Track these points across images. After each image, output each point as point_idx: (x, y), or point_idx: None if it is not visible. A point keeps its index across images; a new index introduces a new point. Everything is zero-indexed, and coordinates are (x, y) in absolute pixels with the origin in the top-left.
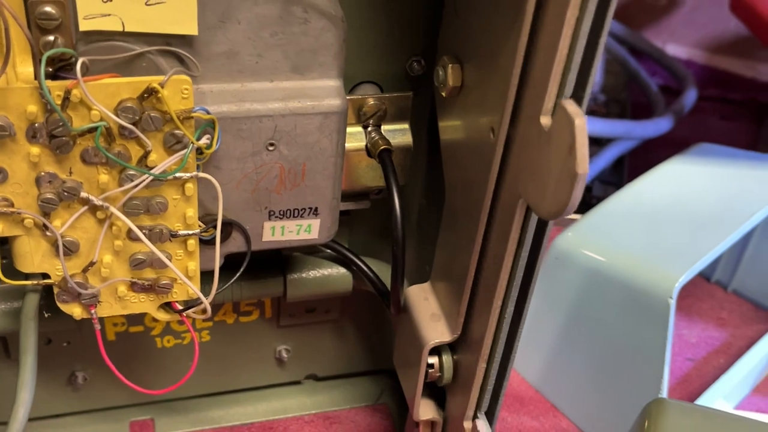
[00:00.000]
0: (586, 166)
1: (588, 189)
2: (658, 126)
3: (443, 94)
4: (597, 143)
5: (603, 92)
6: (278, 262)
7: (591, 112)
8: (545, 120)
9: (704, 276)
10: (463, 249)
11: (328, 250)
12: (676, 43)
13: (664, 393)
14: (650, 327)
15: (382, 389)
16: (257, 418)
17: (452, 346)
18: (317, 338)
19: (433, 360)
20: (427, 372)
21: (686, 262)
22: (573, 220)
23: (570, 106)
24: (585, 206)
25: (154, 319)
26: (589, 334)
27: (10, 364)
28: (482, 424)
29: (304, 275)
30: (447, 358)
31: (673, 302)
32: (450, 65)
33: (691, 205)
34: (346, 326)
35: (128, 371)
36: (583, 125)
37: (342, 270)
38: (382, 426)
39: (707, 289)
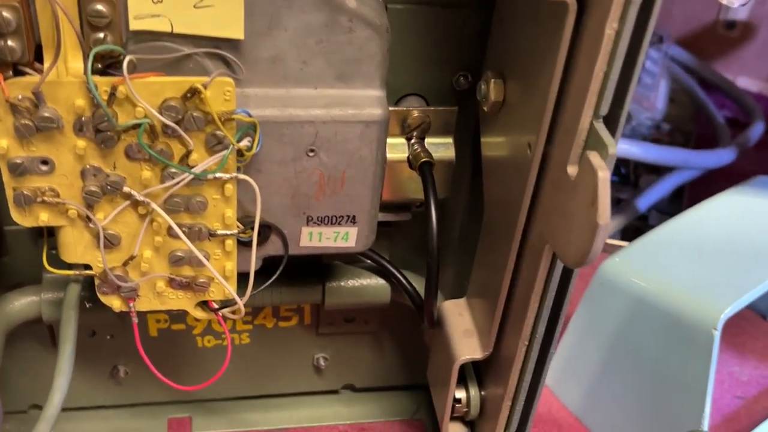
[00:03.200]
0: (607, 218)
1: (644, 218)
2: (719, 157)
3: (485, 109)
4: (656, 172)
5: (667, 121)
6: (318, 269)
7: (655, 140)
8: (572, 169)
9: (760, 313)
10: (497, 267)
11: (368, 261)
12: (747, 76)
13: (705, 427)
14: (694, 358)
15: (419, 404)
16: (293, 424)
17: (480, 380)
18: (356, 348)
19: (461, 395)
20: (454, 406)
21: (734, 294)
22: (620, 246)
23: (594, 158)
24: (639, 235)
25: (196, 319)
26: (631, 362)
27: (55, 352)
28: None
29: (342, 284)
30: (474, 393)
31: (717, 334)
32: (492, 80)
33: (745, 237)
34: (385, 338)
35: (168, 368)
36: (607, 178)
37: (380, 281)
38: None
39: (762, 327)
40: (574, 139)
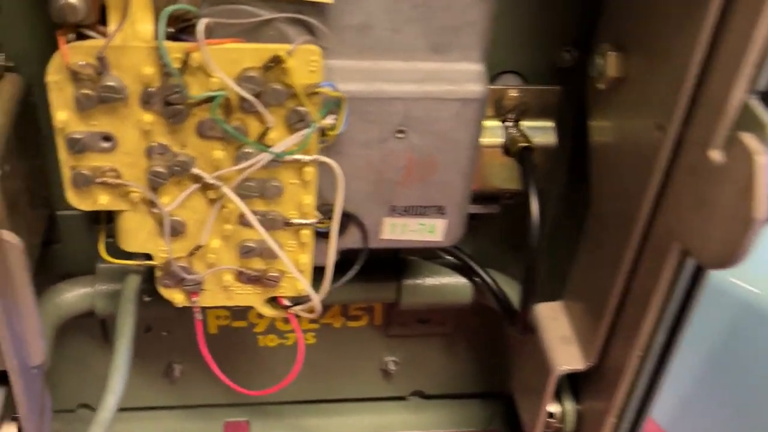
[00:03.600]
0: (764, 210)
1: None
2: None
3: (600, 86)
4: None
5: None
6: (394, 265)
7: None
8: (717, 154)
9: None
10: (608, 266)
11: (449, 257)
12: None
13: None
14: None
15: (494, 414)
16: (358, 431)
17: (576, 393)
18: (427, 352)
19: (555, 409)
20: (547, 423)
21: None
22: None
23: (750, 141)
24: None
25: (259, 315)
26: (734, 375)
27: (107, 349)
28: None
29: (420, 282)
30: (570, 408)
31: None
32: (611, 53)
33: None
34: (460, 342)
35: (226, 368)
36: (765, 164)
37: (462, 280)
38: None
39: None
40: (720, 119)
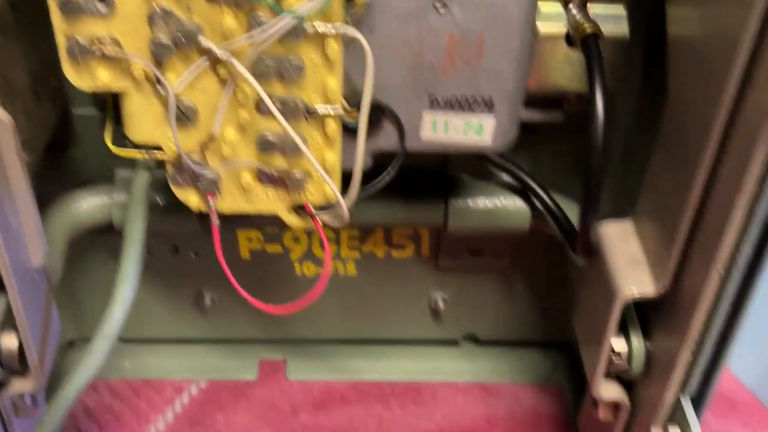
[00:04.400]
0: None
1: None
2: None
3: None
4: None
5: None
6: (441, 183)
7: None
8: None
9: None
10: (683, 174)
11: (505, 174)
12: None
13: None
14: None
15: (556, 366)
16: (403, 376)
17: (646, 330)
18: (481, 290)
19: (620, 348)
20: (611, 360)
21: None
22: None
23: None
24: None
25: (295, 239)
26: None
27: None
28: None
29: (470, 203)
30: (638, 345)
31: None
32: None
33: None
34: (517, 281)
35: (260, 298)
36: None
37: (518, 202)
38: (552, 408)
39: None
40: None
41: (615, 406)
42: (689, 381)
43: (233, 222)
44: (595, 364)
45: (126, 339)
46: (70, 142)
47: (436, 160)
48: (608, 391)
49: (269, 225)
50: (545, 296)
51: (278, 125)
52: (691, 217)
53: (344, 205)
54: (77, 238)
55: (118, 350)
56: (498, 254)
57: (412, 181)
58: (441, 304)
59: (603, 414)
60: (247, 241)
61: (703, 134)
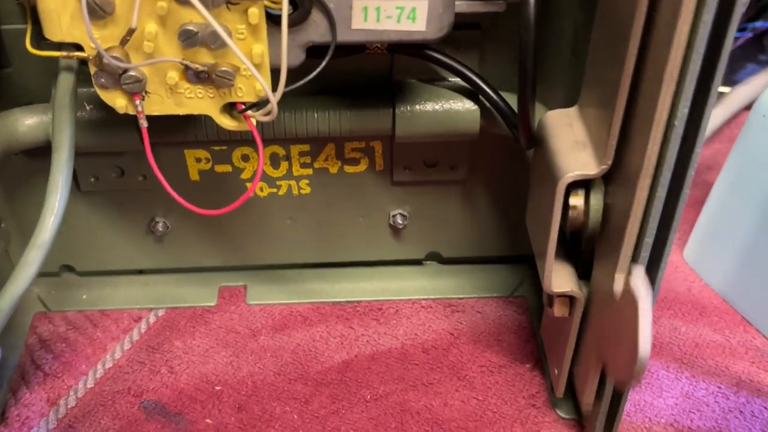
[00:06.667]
0: None
1: None
2: None
3: None
4: None
5: None
6: (388, 90)
7: None
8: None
9: None
10: (617, 53)
11: (452, 76)
12: None
13: None
14: None
15: (522, 280)
16: (365, 297)
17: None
18: (441, 205)
19: (577, 201)
20: (566, 215)
21: None
22: None
23: None
24: None
25: (243, 158)
26: None
27: (85, 201)
28: (639, 271)
29: (418, 107)
30: (596, 199)
31: None
32: None
33: None
34: (478, 193)
35: (213, 223)
36: None
37: (467, 104)
38: (515, 320)
39: None
40: None
41: (570, 300)
42: (645, 228)
43: (177, 137)
44: (543, 252)
45: (82, 272)
46: (3, 63)
47: (381, 68)
48: (560, 284)
49: (215, 142)
50: (507, 209)
51: (199, 14)
52: (626, 92)
53: (272, 97)
54: (13, 156)
55: (75, 283)
56: (454, 166)
57: (358, 90)
58: (399, 220)
59: (558, 310)
60: (195, 162)
61: (633, 3)
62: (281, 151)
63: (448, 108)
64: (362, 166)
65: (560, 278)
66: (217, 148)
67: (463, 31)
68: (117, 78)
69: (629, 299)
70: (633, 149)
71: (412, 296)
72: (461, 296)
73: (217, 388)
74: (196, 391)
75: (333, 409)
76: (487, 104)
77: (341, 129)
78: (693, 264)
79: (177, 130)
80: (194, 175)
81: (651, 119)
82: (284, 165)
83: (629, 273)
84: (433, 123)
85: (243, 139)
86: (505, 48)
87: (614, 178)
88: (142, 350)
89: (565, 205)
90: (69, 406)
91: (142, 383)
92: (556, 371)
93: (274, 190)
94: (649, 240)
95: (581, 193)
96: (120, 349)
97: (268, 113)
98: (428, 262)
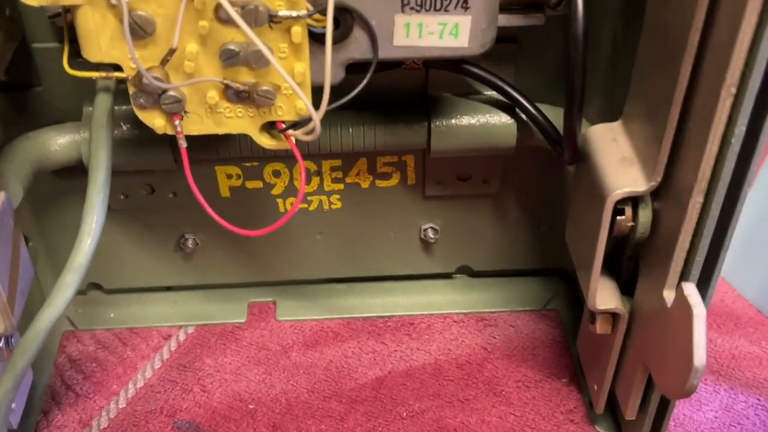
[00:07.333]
0: None
1: None
2: None
3: None
4: None
5: None
6: (423, 104)
7: None
8: None
9: None
10: (668, 68)
11: (487, 89)
12: None
13: None
14: None
15: (554, 293)
16: (396, 312)
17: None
18: (472, 219)
19: (624, 218)
20: (613, 226)
21: None
22: None
23: None
24: None
25: (275, 174)
26: None
27: (115, 219)
28: (691, 288)
29: (454, 122)
30: (645, 216)
31: None
32: None
33: None
34: (510, 206)
35: (243, 239)
36: None
37: (503, 117)
38: (549, 334)
39: None
40: None
41: (613, 317)
42: (697, 244)
43: (210, 155)
44: (588, 270)
45: (110, 290)
46: (34, 81)
47: (416, 82)
48: (605, 301)
49: (247, 158)
50: (540, 220)
51: (241, 34)
52: (679, 110)
53: (315, 115)
54: (43, 175)
55: (102, 301)
56: (487, 179)
57: (393, 105)
58: (431, 234)
59: (600, 327)
60: (226, 178)
61: (688, 15)
62: (313, 167)
63: (484, 122)
64: (394, 181)
65: (604, 295)
66: (248, 164)
67: (499, 45)
68: (156, 98)
69: (683, 311)
70: (684, 165)
71: (443, 310)
72: (493, 310)
73: (251, 406)
74: (229, 410)
75: (369, 427)
76: (525, 118)
77: (376, 144)
78: (726, 275)
79: (211, 148)
80: (225, 192)
81: (706, 135)
82: (315, 180)
83: (680, 290)
84: (469, 137)
85: (275, 155)
86: (540, 61)
87: (662, 193)
88: (173, 369)
89: (611, 221)
90: (101, 427)
91: (175, 402)
92: (595, 387)
93: (305, 205)
94: (699, 259)
95: (628, 210)
96: (151, 367)
97: (311, 132)
98: (458, 275)
